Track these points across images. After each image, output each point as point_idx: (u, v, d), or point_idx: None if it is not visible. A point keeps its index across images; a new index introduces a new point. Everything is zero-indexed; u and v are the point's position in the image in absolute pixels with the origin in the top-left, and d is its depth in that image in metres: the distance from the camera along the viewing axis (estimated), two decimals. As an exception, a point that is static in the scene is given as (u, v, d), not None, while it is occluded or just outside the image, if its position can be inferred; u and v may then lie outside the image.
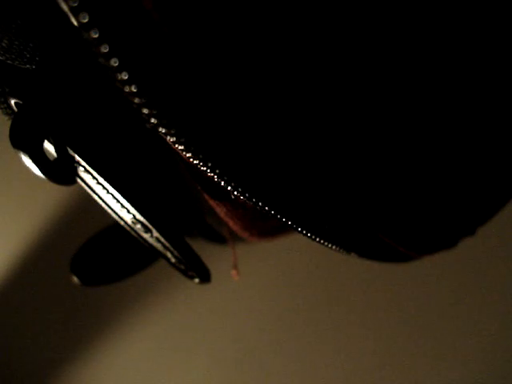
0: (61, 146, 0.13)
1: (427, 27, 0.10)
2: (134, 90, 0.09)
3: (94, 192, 0.15)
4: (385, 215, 0.13)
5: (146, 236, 0.15)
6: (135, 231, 0.15)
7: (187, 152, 0.10)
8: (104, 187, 0.14)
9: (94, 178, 0.14)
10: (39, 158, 0.13)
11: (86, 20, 0.08)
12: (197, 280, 0.16)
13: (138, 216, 0.14)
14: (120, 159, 0.15)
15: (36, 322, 0.43)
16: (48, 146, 0.13)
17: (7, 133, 0.13)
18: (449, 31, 0.11)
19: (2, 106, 0.14)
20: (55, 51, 0.12)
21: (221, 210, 0.16)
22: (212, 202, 0.16)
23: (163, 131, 0.10)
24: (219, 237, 0.23)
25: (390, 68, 0.11)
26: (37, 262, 0.42)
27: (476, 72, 0.11)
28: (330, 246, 0.14)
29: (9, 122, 0.13)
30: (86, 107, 0.13)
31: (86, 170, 0.13)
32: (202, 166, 0.10)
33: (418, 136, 0.12)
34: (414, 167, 0.12)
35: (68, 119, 0.13)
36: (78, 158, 0.13)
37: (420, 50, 0.11)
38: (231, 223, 0.17)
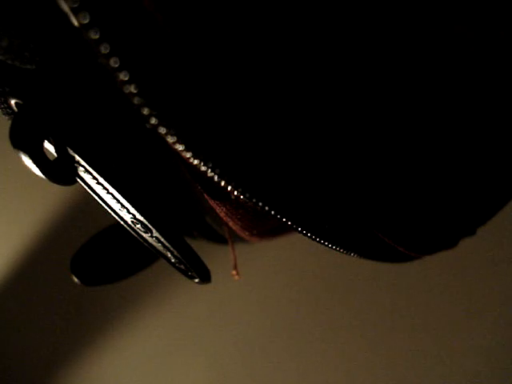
0: (61, 146, 0.13)
1: (427, 28, 0.10)
2: (134, 90, 0.09)
3: (94, 192, 0.15)
4: (385, 215, 0.13)
5: (146, 236, 0.15)
6: (135, 231, 0.15)
7: (187, 152, 0.10)
8: (104, 187, 0.14)
9: (94, 178, 0.14)
10: (39, 157, 0.13)
11: (86, 20, 0.08)
12: (197, 280, 0.16)
13: (138, 216, 0.14)
14: (120, 159, 0.15)
15: (36, 322, 0.43)
16: (48, 146, 0.13)
17: (7, 133, 0.13)
18: (448, 32, 0.11)
19: (2, 106, 0.14)
20: (55, 51, 0.12)
21: (221, 210, 0.16)
22: (212, 202, 0.16)
23: (163, 131, 0.10)
24: (219, 237, 0.23)
25: (389, 68, 0.11)
26: (37, 262, 0.42)
27: (476, 72, 0.11)
28: (330, 246, 0.14)
29: (9, 122, 0.13)
30: (86, 107, 0.13)
31: (86, 170, 0.13)
32: (202, 166, 0.10)
33: (418, 136, 0.12)
34: (415, 167, 0.12)
35: (68, 119, 0.13)
36: (78, 157, 0.13)
37: (419, 51, 0.11)
38: (231, 223, 0.17)
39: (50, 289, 0.43)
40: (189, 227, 0.23)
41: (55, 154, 0.13)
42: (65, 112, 0.13)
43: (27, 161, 0.13)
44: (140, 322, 0.43)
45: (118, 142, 0.15)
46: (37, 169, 0.13)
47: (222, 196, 0.15)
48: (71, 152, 0.13)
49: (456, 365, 0.39)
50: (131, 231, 0.16)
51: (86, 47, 0.09)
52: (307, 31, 0.10)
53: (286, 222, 0.12)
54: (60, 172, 0.13)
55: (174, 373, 0.42)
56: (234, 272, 0.23)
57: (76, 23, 0.08)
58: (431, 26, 0.10)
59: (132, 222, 0.15)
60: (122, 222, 0.16)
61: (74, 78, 0.13)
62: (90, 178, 0.14)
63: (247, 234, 0.18)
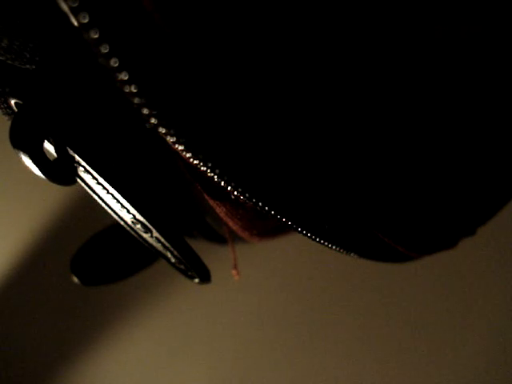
0: (61, 146, 0.13)
1: (427, 29, 0.10)
2: (133, 90, 0.09)
3: (94, 192, 0.15)
4: (384, 215, 0.13)
5: (146, 236, 0.15)
6: (135, 231, 0.15)
7: (187, 152, 0.10)
8: (104, 187, 0.14)
9: (94, 178, 0.14)
10: (39, 157, 0.13)
11: (86, 20, 0.08)
12: (197, 280, 0.16)
13: (138, 216, 0.14)
14: (120, 159, 0.15)
15: (36, 322, 0.43)
16: (48, 146, 0.13)
17: (7, 133, 0.13)
18: (448, 31, 0.11)
19: (2, 106, 0.14)
20: (55, 51, 0.12)
21: (221, 210, 0.16)
22: (212, 202, 0.16)
23: (163, 131, 0.10)
24: (219, 237, 0.23)
25: (389, 68, 0.11)
26: (37, 262, 0.42)
27: (476, 72, 0.11)
28: (329, 246, 0.14)
29: (9, 122, 0.13)
30: (86, 107, 0.13)
31: (86, 170, 0.13)
32: (201, 166, 0.10)
33: (418, 137, 0.12)
34: (414, 167, 0.12)
35: (68, 119, 0.13)
36: (78, 158, 0.13)
37: (420, 50, 0.11)
38: (231, 223, 0.17)
39: (49, 289, 0.43)
40: (189, 227, 0.23)
41: (55, 154, 0.13)
42: (65, 112, 0.13)
43: (27, 161, 0.13)
44: (140, 322, 0.43)
45: (117, 142, 0.15)
46: (37, 169, 0.13)
47: (222, 196, 0.15)
48: (71, 152, 0.13)
49: (456, 365, 0.39)
50: (131, 231, 0.16)
51: (85, 47, 0.09)
52: (305, 31, 0.10)
53: (286, 222, 0.12)
54: (60, 172, 0.13)
55: (174, 372, 0.42)
56: (234, 272, 0.23)
57: (76, 23, 0.08)
58: (436, 26, 0.10)
59: (132, 222, 0.15)
60: (121, 222, 0.16)
61: (73, 78, 0.13)
62: (90, 178, 0.14)
63: (247, 234, 0.19)
